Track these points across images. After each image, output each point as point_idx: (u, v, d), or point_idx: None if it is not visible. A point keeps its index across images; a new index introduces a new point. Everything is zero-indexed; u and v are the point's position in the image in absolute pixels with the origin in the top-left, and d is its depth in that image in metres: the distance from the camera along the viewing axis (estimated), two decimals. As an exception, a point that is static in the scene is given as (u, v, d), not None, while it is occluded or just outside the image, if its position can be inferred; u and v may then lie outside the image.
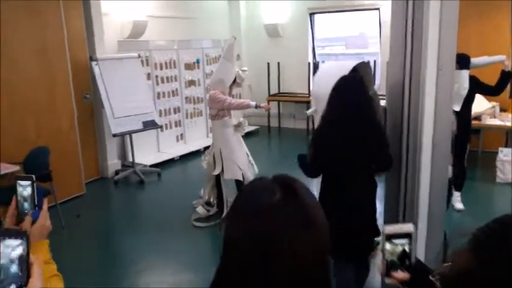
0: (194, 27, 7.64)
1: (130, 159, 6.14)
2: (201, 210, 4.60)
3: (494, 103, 5.73)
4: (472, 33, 5.97)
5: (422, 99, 2.46)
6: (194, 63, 7.39)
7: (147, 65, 6.50)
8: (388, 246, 1.04)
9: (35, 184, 1.26)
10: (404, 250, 1.01)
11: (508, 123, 5.57)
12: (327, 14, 8.26)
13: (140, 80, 6.02)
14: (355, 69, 3.28)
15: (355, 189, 2.38)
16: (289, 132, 8.60)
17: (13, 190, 1.25)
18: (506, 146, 5.88)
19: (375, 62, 7.45)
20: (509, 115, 5.80)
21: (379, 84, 7.57)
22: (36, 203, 1.27)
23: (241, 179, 4.33)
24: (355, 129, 2.29)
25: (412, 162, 2.58)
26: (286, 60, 8.49)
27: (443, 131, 2.52)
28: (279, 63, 8.47)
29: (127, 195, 5.67)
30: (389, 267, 1.04)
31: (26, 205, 1.27)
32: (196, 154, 7.08)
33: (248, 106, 4.36)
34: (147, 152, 6.63)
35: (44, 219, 1.28)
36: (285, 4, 8.33)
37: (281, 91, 8.64)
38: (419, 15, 2.40)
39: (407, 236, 1.04)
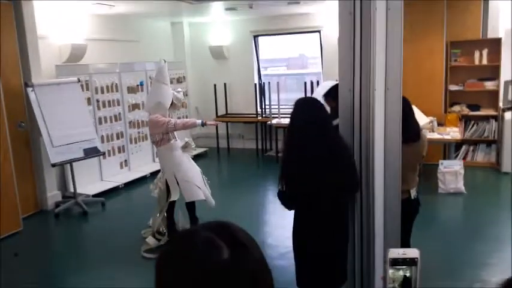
0: (136, 49, 7.47)
1: (72, 190, 5.77)
2: (151, 240, 4.37)
3: (431, 118, 6.05)
4: (407, 57, 6.30)
5: (373, 117, 2.51)
6: (138, 85, 7.19)
7: (87, 89, 6.21)
8: (390, 272, 0.98)
9: None
10: (405, 276, 0.94)
11: (446, 137, 5.89)
12: (270, 36, 8.43)
13: (80, 106, 5.72)
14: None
15: (329, 216, 2.32)
16: (239, 152, 8.56)
17: None
18: (444, 158, 6.21)
19: (318, 82, 7.65)
20: (447, 129, 6.15)
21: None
22: None
23: (203, 198, 4.20)
24: (312, 150, 2.24)
25: (366, 180, 2.62)
26: (233, 81, 8.52)
27: (394, 149, 2.57)
28: (225, 84, 8.46)
29: (70, 228, 5.30)
30: None
31: None
32: (142, 181, 6.82)
33: (194, 125, 4.26)
34: (90, 181, 6.27)
35: None
36: (228, 27, 8.39)
37: (229, 112, 8.62)
38: (366, 41, 2.47)
39: (411, 262, 0.97)
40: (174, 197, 4.18)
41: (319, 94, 2.73)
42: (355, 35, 2.55)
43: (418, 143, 2.93)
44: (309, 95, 7.70)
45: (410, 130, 2.85)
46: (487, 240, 4.40)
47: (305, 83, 7.52)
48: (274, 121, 7.59)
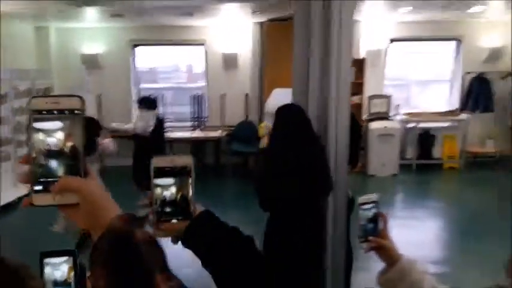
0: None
1: None
2: None
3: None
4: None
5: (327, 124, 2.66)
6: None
7: None
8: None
9: None
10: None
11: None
12: (150, 46, 8.16)
13: None
14: None
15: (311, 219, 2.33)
16: (112, 171, 7.87)
17: None
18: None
19: (202, 96, 7.70)
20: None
21: (209, 116, 7.85)
22: None
23: None
24: (301, 157, 2.24)
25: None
26: (108, 93, 7.91)
27: (343, 155, 2.76)
28: (99, 96, 7.81)
29: None
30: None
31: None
32: (6, 209, 5.79)
33: None
34: None
35: None
36: (103, 34, 7.80)
37: (103, 126, 7.94)
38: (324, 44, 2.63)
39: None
40: None
41: (275, 105, 2.75)
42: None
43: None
44: (196, 108, 7.68)
45: (355, 155, 3.05)
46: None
47: (193, 96, 7.52)
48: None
